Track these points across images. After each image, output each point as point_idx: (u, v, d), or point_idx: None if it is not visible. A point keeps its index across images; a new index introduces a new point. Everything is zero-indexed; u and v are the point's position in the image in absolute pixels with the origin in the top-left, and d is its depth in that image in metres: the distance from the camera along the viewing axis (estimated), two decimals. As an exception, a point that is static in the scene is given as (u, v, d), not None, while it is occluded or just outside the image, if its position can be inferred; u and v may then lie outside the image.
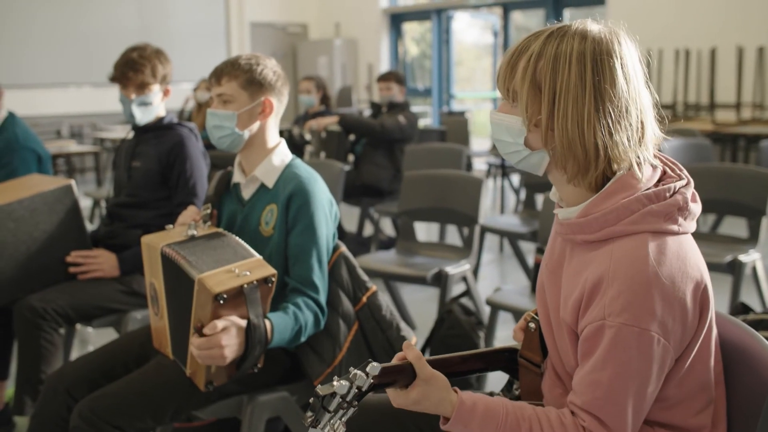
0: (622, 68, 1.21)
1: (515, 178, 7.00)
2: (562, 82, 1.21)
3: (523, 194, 5.28)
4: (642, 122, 1.24)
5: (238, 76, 2.07)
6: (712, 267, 3.21)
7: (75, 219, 2.72)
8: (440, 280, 3.35)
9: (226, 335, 1.78)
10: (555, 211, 1.35)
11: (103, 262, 2.69)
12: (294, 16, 11.84)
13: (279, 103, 2.14)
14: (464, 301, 3.23)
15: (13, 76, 8.65)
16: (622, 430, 1.20)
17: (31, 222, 2.61)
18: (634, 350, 1.16)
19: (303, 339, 2.00)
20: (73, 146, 7.58)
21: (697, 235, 1.30)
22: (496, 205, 7.47)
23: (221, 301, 1.77)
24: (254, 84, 2.07)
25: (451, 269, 3.38)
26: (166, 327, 2.02)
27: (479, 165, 8.56)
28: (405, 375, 1.29)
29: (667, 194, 1.23)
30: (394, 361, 1.32)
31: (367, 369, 1.24)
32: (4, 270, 2.55)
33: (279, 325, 1.90)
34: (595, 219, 1.23)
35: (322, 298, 2.05)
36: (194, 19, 10.61)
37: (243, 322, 1.82)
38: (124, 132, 8.20)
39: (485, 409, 1.26)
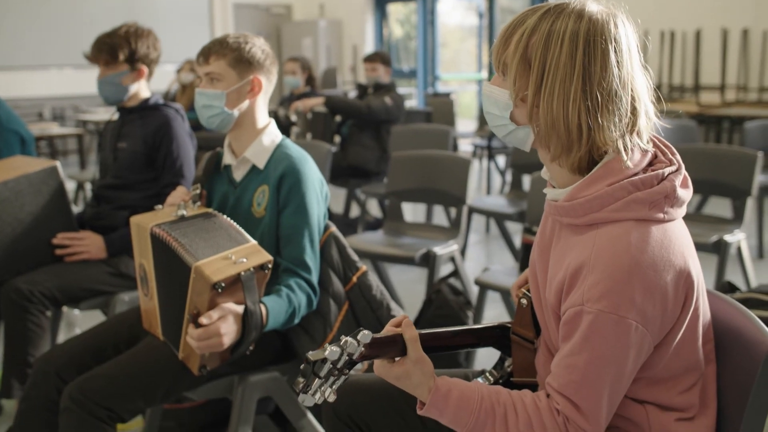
0: (615, 52, 1.20)
1: (501, 160, 7.01)
2: (552, 60, 1.20)
3: (509, 175, 5.28)
4: (634, 108, 1.23)
5: (227, 55, 2.05)
6: (698, 247, 3.22)
7: (60, 201, 2.69)
8: (428, 261, 3.36)
9: (224, 323, 1.78)
10: (545, 190, 1.35)
11: (89, 244, 2.67)
12: (278, -3, 11.75)
13: (268, 82, 2.13)
14: (452, 281, 3.24)
15: (-7, 57, 8.55)
16: (595, 414, 1.21)
17: (17, 204, 2.59)
18: (611, 337, 1.17)
19: (297, 321, 2.00)
20: (55, 128, 7.48)
21: (683, 216, 1.30)
22: (482, 187, 7.49)
23: (219, 290, 1.77)
24: (243, 62, 2.06)
25: (439, 249, 3.38)
26: (156, 308, 2.01)
27: (465, 146, 8.57)
28: (395, 348, 1.30)
29: (655, 181, 1.22)
30: (387, 330, 1.32)
31: (359, 337, 1.24)
32: (4, 245, 2.53)
33: (273, 309, 1.90)
34: (580, 204, 1.23)
35: (315, 278, 2.04)
36: (178, 1, 10.49)
37: (239, 309, 1.82)
38: (106, 114, 8.12)
39: (459, 396, 1.27)
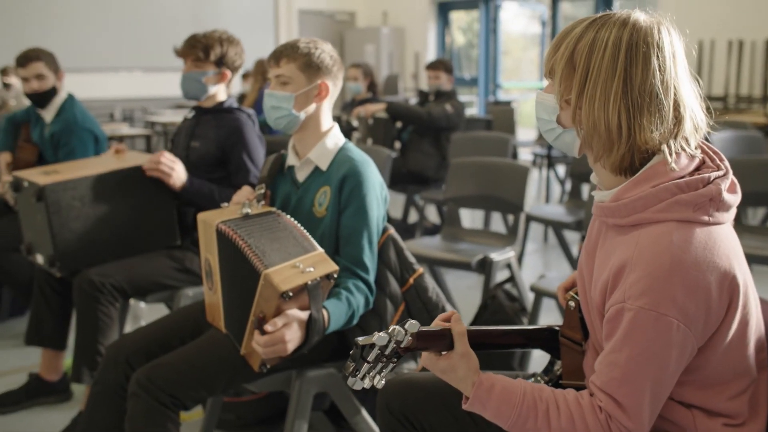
0: (657, 57, 1.23)
1: (561, 169, 6.97)
2: (595, 64, 1.25)
3: (568, 184, 5.26)
4: (678, 112, 1.25)
5: (297, 59, 2.12)
6: (761, 260, 3.19)
7: (164, 194, 2.79)
8: (485, 267, 3.38)
9: (289, 330, 1.84)
10: (592, 193, 1.39)
11: (178, 170, 2.73)
12: (342, 4, 11.89)
13: (334, 87, 2.19)
14: (508, 287, 3.26)
15: (68, 60, 8.77)
16: (637, 412, 1.22)
17: (126, 193, 2.71)
18: (651, 334, 1.19)
19: (355, 322, 2.06)
20: (125, 129, 7.74)
21: (746, 228, 1.31)
22: (541, 195, 7.45)
23: (286, 298, 1.83)
24: (312, 67, 2.13)
25: (496, 256, 3.40)
26: (219, 302, 2.09)
27: (525, 155, 8.52)
28: (443, 342, 1.34)
29: (701, 185, 1.24)
30: (435, 324, 1.37)
31: (406, 326, 1.29)
32: (81, 239, 2.65)
33: (334, 313, 1.96)
34: (624, 205, 1.26)
35: (372, 277, 2.10)
36: (243, 7, 10.72)
37: (304, 315, 1.88)
38: (174, 116, 8.35)
39: (502, 390, 1.30)
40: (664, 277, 1.18)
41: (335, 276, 1.92)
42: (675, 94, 1.25)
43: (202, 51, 2.80)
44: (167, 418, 1.93)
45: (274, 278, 1.82)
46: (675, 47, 1.27)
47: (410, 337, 1.30)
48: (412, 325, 1.30)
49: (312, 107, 2.16)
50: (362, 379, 1.30)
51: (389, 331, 1.29)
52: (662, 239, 1.20)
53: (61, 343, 2.98)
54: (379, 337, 1.28)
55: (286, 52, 2.13)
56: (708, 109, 1.32)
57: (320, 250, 1.96)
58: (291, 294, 1.83)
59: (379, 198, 2.15)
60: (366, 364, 1.29)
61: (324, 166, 2.16)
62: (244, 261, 1.91)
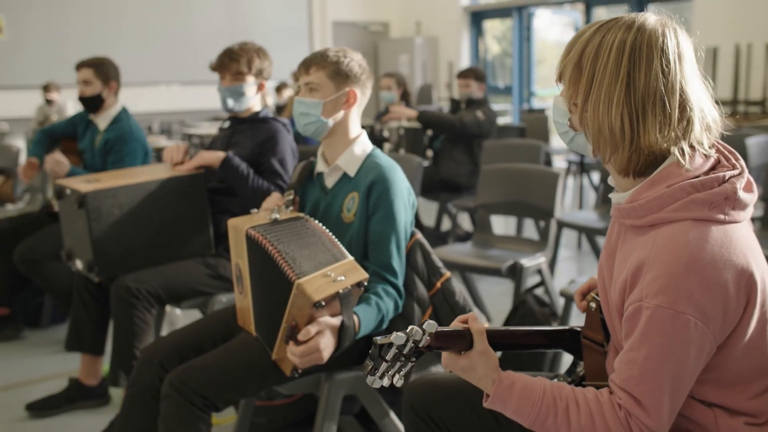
0: (661, 60, 1.24)
1: (595, 176, 6.93)
2: (600, 68, 1.27)
3: (602, 191, 5.24)
4: (687, 115, 1.26)
5: (326, 67, 2.17)
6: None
7: (202, 204, 2.88)
8: (515, 272, 3.39)
9: (323, 338, 1.89)
10: (610, 195, 1.40)
11: (201, 153, 2.84)
12: (376, 15, 11.98)
13: (362, 95, 2.23)
14: (540, 293, 3.26)
15: (108, 74, 9.05)
16: (657, 410, 1.22)
17: (165, 202, 2.80)
18: (669, 332, 1.20)
19: (385, 326, 2.09)
20: (163, 141, 7.88)
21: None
22: (576, 203, 7.41)
23: (319, 307, 1.87)
24: (341, 75, 2.17)
25: (526, 261, 3.41)
26: (249, 306, 2.14)
27: (559, 162, 8.49)
28: (462, 342, 1.36)
29: (716, 183, 1.25)
30: (455, 324, 1.39)
31: (424, 326, 1.32)
32: (119, 245, 2.73)
33: (365, 319, 1.99)
34: (640, 205, 1.27)
35: (401, 282, 2.13)
36: (279, 19, 10.87)
37: (336, 322, 1.92)
38: (210, 128, 8.48)
39: (522, 388, 1.32)
40: (680, 275, 1.19)
41: (365, 284, 1.96)
42: (681, 96, 1.25)
43: (246, 64, 2.88)
44: (199, 419, 1.98)
45: (307, 288, 1.86)
46: (681, 49, 1.27)
47: (428, 337, 1.32)
48: (430, 324, 1.32)
49: (340, 114, 2.20)
50: (381, 377, 1.32)
51: (407, 330, 1.32)
52: (679, 238, 1.22)
53: (99, 348, 3.06)
54: (396, 336, 1.31)
55: (315, 60, 2.18)
56: (720, 111, 1.32)
57: (350, 258, 1.99)
58: (323, 303, 1.87)
59: (407, 203, 2.19)
60: (384, 362, 1.31)
61: (352, 173, 2.20)
62: (273, 266, 1.95)
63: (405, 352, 1.32)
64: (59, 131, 3.78)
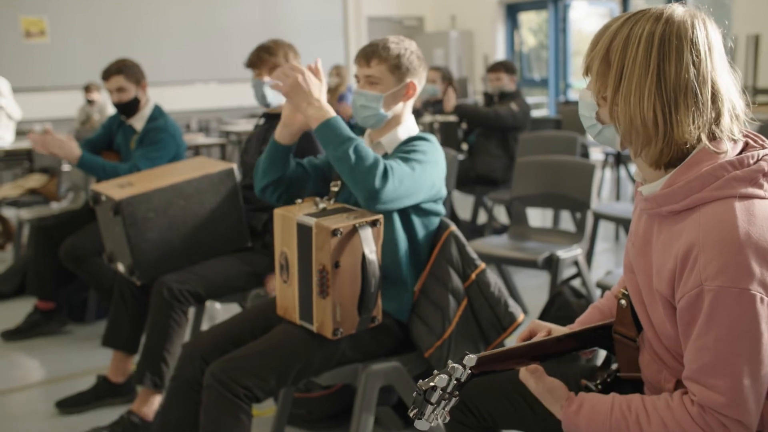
0: (691, 52, 1.24)
1: (632, 168, 6.86)
2: (629, 60, 1.26)
3: (639, 182, 5.18)
4: (717, 105, 1.25)
5: (388, 60, 2.18)
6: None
7: (234, 200, 2.93)
8: (551, 264, 3.39)
9: (306, 73, 2.09)
10: (638, 189, 1.39)
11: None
12: (410, 9, 11.98)
13: (419, 85, 2.27)
14: (576, 284, 3.26)
15: (148, 74, 9.18)
16: (737, 397, 1.18)
17: (198, 201, 2.84)
18: (737, 311, 1.16)
19: (367, 167, 2.01)
20: (201, 139, 7.99)
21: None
22: (613, 195, 7.34)
23: (338, 235, 1.94)
24: (401, 68, 2.19)
25: (563, 253, 3.41)
26: (295, 293, 2.15)
27: (596, 155, 8.41)
28: (505, 362, 1.38)
29: (751, 161, 1.24)
30: (518, 341, 1.41)
31: (464, 361, 1.31)
32: (158, 247, 2.78)
33: (361, 142, 2.06)
34: (680, 188, 1.26)
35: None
36: (313, 15, 10.93)
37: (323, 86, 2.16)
38: (247, 125, 8.58)
39: (590, 409, 1.34)
40: (736, 252, 1.17)
41: (380, 223, 2.04)
42: (713, 87, 1.25)
43: (283, 58, 2.92)
44: (240, 409, 2.02)
45: (323, 223, 1.97)
46: (711, 39, 1.26)
47: (469, 371, 1.31)
48: (470, 359, 1.31)
49: (399, 106, 2.23)
50: (428, 419, 1.30)
51: (448, 369, 1.30)
52: (726, 216, 1.20)
53: (134, 347, 3.11)
54: (440, 379, 1.28)
55: (377, 53, 2.19)
56: (746, 100, 1.31)
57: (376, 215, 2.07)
58: (341, 231, 1.95)
59: (440, 163, 2.19)
60: (430, 406, 1.29)
61: (391, 150, 2.24)
62: (310, 237, 2.00)
63: (449, 390, 1.30)
64: (99, 144, 3.87)
